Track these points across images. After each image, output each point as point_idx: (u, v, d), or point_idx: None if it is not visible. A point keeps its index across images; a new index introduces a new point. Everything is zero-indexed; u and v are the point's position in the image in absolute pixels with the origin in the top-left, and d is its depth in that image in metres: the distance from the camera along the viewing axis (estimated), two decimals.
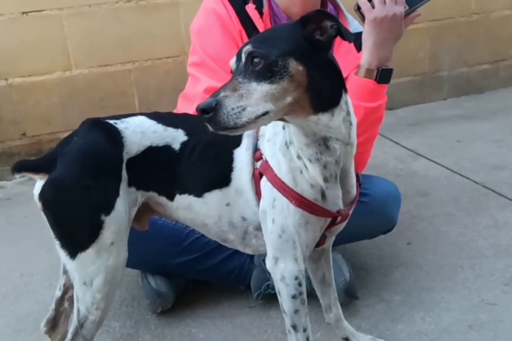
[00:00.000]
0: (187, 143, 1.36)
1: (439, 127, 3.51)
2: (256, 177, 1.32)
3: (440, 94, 4.00)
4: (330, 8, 1.89)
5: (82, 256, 1.29)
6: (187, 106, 1.80)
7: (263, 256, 1.88)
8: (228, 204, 1.36)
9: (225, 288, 1.98)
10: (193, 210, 1.40)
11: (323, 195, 1.29)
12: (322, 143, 1.22)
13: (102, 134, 1.34)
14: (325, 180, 1.26)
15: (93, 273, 1.30)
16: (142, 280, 1.95)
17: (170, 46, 3.35)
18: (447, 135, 3.36)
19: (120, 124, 1.37)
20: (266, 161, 1.31)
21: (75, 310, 1.35)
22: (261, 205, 1.33)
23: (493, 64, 4.05)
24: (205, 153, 1.35)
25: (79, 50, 3.19)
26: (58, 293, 1.52)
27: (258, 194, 1.33)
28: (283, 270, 1.33)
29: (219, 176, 1.35)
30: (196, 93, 1.77)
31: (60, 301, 1.51)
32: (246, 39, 1.79)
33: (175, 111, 1.88)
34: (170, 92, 3.16)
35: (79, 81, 3.23)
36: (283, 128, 1.29)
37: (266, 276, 1.88)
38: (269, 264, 1.36)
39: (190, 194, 1.38)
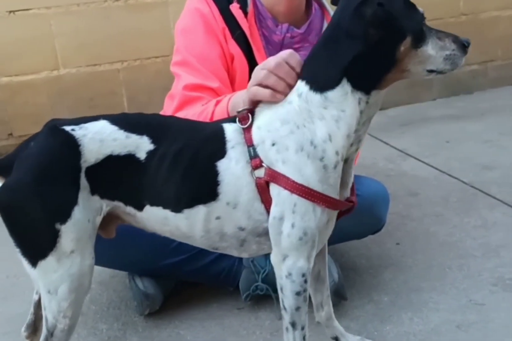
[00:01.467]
0: (154, 152, 1.29)
1: (429, 127, 3.51)
2: (262, 186, 1.28)
3: (430, 94, 4.01)
4: (315, 7, 1.89)
5: (42, 264, 1.27)
6: (170, 106, 1.79)
7: (251, 257, 1.88)
8: (218, 218, 1.32)
9: (213, 289, 1.97)
10: (171, 223, 1.35)
11: (342, 184, 1.33)
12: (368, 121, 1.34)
13: (57, 142, 1.29)
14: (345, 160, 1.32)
15: (56, 281, 1.28)
16: (129, 282, 1.93)
17: (160, 46, 3.32)
18: (437, 136, 3.37)
19: (78, 131, 1.29)
20: (270, 168, 1.27)
21: (43, 318, 1.33)
22: (275, 212, 1.28)
23: (482, 65, 4.07)
24: (178, 165, 1.29)
25: (67, 49, 3.16)
26: (35, 297, 1.50)
27: (265, 202, 1.29)
28: (291, 267, 1.32)
29: (202, 191, 1.30)
30: (176, 92, 1.77)
31: (38, 305, 1.47)
32: (229, 38, 1.78)
33: (161, 112, 1.86)
34: (160, 92, 3.10)
35: (67, 80, 3.21)
36: (298, 128, 1.26)
37: (255, 277, 1.87)
38: (275, 260, 1.34)
39: (164, 208, 1.32)
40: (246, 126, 1.30)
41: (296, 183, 1.25)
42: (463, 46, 1.29)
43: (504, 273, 2.00)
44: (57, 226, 1.25)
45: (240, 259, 1.90)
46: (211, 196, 1.29)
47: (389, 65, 1.25)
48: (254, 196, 1.29)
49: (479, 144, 3.18)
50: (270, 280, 1.86)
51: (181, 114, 1.72)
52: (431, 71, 1.29)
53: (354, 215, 1.77)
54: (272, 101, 1.33)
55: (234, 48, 1.79)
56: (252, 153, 1.28)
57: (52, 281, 1.28)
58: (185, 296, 1.97)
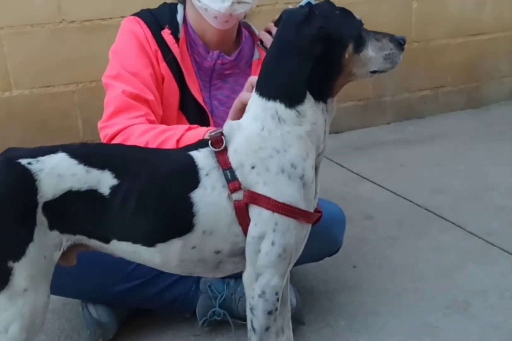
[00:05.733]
0: (118, 188, 1.26)
1: (383, 151, 3.58)
2: (241, 208, 1.28)
3: (383, 118, 4.10)
4: (245, 35, 1.94)
5: None
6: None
7: (209, 282, 1.86)
8: (193, 247, 1.30)
9: (169, 316, 1.93)
10: (142, 256, 1.33)
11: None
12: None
13: (12, 176, 1.23)
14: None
15: (7, 319, 1.23)
16: (82, 310, 1.87)
17: None
18: (391, 159, 3.43)
19: (35, 165, 1.23)
20: (249, 190, 1.27)
21: None
22: (254, 232, 1.28)
23: (432, 91, 4.19)
24: (147, 200, 1.27)
25: (20, 70, 3.09)
26: None
27: (242, 223, 1.29)
28: (265, 285, 1.31)
29: (176, 225, 1.28)
30: (112, 98, 1.74)
31: None
32: (161, 60, 1.81)
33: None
34: None
35: (20, 102, 3.13)
36: (278, 152, 1.28)
37: (212, 302, 1.85)
38: (248, 279, 1.33)
39: (134, 243, 1.30)
40: (220, 149, 1.30)
41: (278, 202, 1.26)
42: (400, 44, 1.38)
43: (457, 295, 2.03)
44: (10, 264, 1.20)
45: (197, 284, 1.88)
46: (186, 228, 1.28)
47: (337, 73, 1.32)
48: (231, 219, 1.29)
49: (431, 168, 3.26)
50: (227, 305, 1.84)
51: (119, 120, 1.68)
52: (374, 71, 1.37)
53: (311, 237, 1.77)
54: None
55: (165, 71, 1.82)
56: (229, 176, 1.28)
57: (2, 320, 1.23)
58: (140, 323, 1.92)
